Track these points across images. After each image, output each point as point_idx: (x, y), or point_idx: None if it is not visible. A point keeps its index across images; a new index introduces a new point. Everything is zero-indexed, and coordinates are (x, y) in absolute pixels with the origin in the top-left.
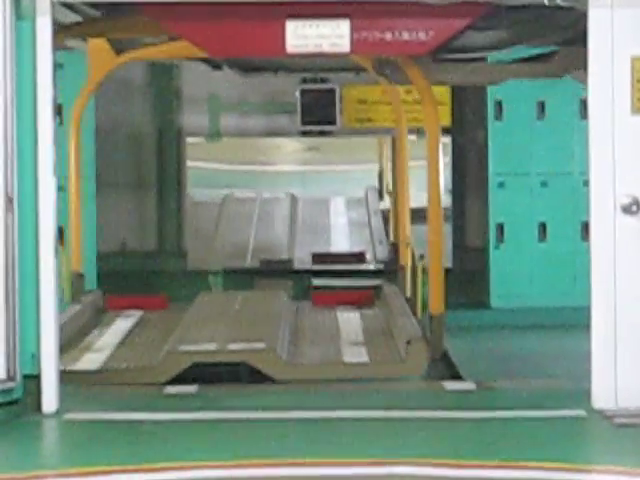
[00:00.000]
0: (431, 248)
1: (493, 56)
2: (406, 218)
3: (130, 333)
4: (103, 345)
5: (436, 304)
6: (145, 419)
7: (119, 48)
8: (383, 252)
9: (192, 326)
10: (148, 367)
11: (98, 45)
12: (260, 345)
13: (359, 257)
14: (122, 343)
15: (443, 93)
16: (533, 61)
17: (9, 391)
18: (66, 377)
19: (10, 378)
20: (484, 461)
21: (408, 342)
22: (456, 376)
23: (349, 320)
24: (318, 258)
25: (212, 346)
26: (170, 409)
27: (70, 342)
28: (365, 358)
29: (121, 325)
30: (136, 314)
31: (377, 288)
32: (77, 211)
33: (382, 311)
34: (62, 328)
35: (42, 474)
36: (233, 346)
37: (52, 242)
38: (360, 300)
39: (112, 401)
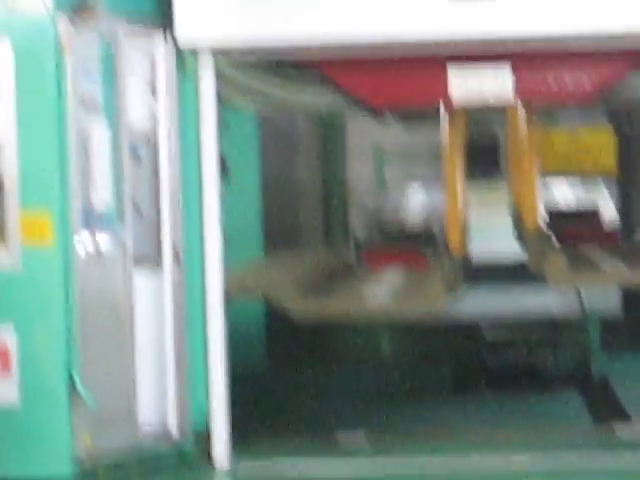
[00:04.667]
0: None
1: None
2: None
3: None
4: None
5: None
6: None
7: None
8: None
9: None
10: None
11: None
12: None
13: None
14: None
15: (607, 138)
16: None
17: (180, 447)
18: None
19: (182, 435)
20: None
21: None
22: None
23: None
24: None
25: None
26: (346, 465)
27: None
28: None
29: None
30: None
31: None
32: None
33: None
34: None
35: None
36: None
37: (219, 299)
38: None
39: (285, 454)
